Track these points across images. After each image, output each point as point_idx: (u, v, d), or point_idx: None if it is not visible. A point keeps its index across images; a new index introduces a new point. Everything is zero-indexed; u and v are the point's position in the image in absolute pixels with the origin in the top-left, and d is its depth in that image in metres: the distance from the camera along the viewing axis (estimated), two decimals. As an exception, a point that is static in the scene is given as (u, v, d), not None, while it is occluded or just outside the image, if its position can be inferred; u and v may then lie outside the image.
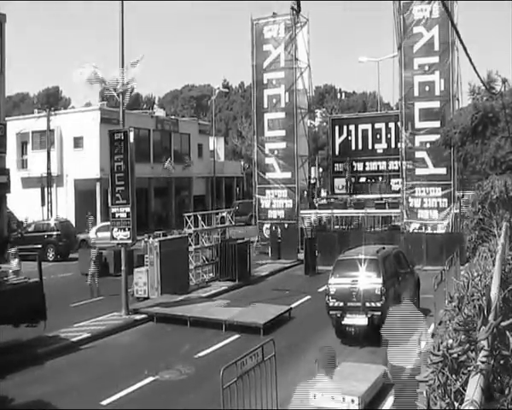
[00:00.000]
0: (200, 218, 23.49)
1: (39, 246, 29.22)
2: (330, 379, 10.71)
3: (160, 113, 57.71)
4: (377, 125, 39.63)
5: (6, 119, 35.83)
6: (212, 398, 9.43)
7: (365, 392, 10.01)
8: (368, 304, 13.88)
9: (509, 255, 6.28)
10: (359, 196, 38.06)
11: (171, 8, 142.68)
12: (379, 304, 13.83)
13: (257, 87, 33.41)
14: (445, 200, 27.96)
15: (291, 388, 11.04)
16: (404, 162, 28.92)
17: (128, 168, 17.55)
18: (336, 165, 40.24)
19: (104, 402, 11.00)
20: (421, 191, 28.39)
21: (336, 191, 40.06)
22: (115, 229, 17.94)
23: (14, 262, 19.09)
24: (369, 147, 39.27)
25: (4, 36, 33.05)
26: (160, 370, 12.58)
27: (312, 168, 48.22)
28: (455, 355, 3.01)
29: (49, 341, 14.64)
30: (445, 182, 27.90)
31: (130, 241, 17.98)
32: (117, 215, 17.82)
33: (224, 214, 26.85)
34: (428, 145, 27.93)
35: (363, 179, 39.50)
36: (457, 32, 14.08)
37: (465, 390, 2.72)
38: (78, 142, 44.25)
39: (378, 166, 38.99)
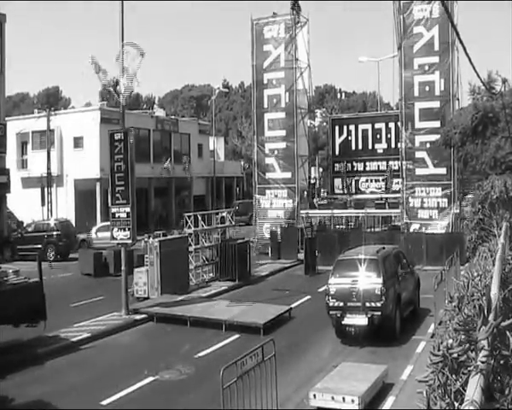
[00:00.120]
0: (200, 218, 23.49)
1: (39, 246, 29.33)
2: (330, 379, 10.73)
3: (160, 113, 57.71)
4: (377, 125, 39.62)
5: (6, 119, 35.87)
6: (212, 398, 9.44)
7: (365, 392, 10.00)
8: (368, 304, 13.87)
9: (509, 255, 6.29)
10: (359, 196, 38.09)
11: (171, 8, 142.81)
12: (379, 304, 13.83)
13: (257, 87, 33.41)
14: (445, 200, 27.95)
15: (291, 388, 11.08)
16: (404, 162, 28.92)
17: (128, 168, 17.55)
18: (336, 165, 40.23)
19: (104, 402, 11.00)
20: (422, 191, 28.38)
21: (336, 191, 40.09)
22: (115, 229, 17.94)
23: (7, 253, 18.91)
24: (369, 147, 39.27)
25: (4, 36, 33.08)
26: (160, 370, 12.58)
27: (312, 168, 48.21)
28: (455, 355, 3.01)
29: (49, 341, 14.64)
30: (445, 182, 27.90)
31: (130, 241, 17.98)
32: (117, 215, 17.83)
33: (224, 214, 26.84)
34: (428, 145, 27.92)
35: (363, 179, 39.52)
36: (457, 32, 14.08)
37: (465, 390, 2.72)
38: (78, 142, 44.26)
39: (378, 166, 39.00)
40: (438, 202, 28.15)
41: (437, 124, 27.25)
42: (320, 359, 13.31)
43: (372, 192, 38.17)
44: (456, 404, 2.94)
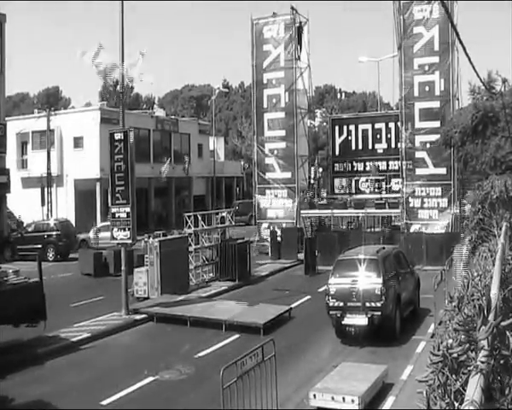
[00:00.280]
0: (200, 218, 23.49)
1: (39, 246, 29.32)
2: (330, 379, 10.73)
3: (160, 113, 57.70)
4: (377, 125, 39.61)
5: (6, 119, 35.87)
6: (212, 398, 9.43)
7: (365, 392, 10.00)
8: (368, 304, 13.87)
9: (509, 255, 6.28)
10: (359, 196, 38.08)
11: (171, 8, 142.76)
12: (379, 304, 13.83)
13: (257, 87, 33.42)
14: (445, 200, 27.96)
15: (291, 388, 11.08)
16: (404, 162, 28.92)
17: (128, 168, 17.55)
18: (336, 165, 40.25)
19: (104, 402, 11.00)
20: (422, 191, 28.39)
21: (336, 191, 40.08)
22: (115, 229, 17.94)
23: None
24: (369, 147, 39.27)
25: (4, 36, 33.08)
26: (160, 370, 12.58)
27: (312, 168, 48.20)
28: (455, 355, 3.01)
29: (49, 341, 14.64)
30: (445, 182, 27.90)
31: (130, 241, 17.98)
32: (117, 215, 17.83)
33: (224, 214, 26.85)
34: (428, 145, 27.93)
35: (363, 179, 39.51)
36: (457, 33, 14.08)
37: (465, 390, 2.71)
38: (78, 142, 44.27)
39: (378, 166, 38.98)
40: (438, 202, 28.16)
41: (437, 124, 27.25)
42: (320, 359, 13.31)
43: (371, 192, 38.11)
44: (456, 404, 2.94)
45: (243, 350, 8.49)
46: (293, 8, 32.21)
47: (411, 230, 28.17)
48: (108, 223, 19.98)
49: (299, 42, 32.43)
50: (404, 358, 12.67)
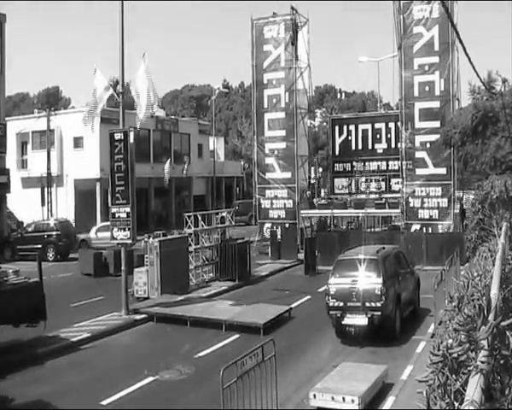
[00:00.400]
0: (200, 218, 23.49)
1: (39, 246, 29.33)
2: (330, 379, 10.73)
3: (160, 113, 57.65)
4: (377, 125, 39.58)
5: (6, 119, 35.87)
6: (212, 398, 9.43)
7: (365, 392, 10.00)
8: (368, 304, 13.87)
9: (509, 255, 6.29)
10: (359, 196, 38.08)
11: (171, 8, 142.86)
12: (379, 304, 13.83)
13: (257, 87, 33.42)
14: (445, 200, 27.94)
15: (291, 388, 11.08)
16: (404, 162, 28.91)
17: (128, 168, 17.54)
18: (336, 165, 40.23)
19: (104, 402, 10.99)
20: (422, 191, 28.37)
21: (336, 191, 40.07)
22: (115, 229, 17.93)
23: None
24: (369, 147, 39.24)
25: (4, 36, 33.08)
26: (160, 370, 12.58)
27: (312, 168, 48.23)
28: (455, 355, 3.01)
29: (49, 341, 14.63)
30: (445, 182, 27.88)
31: (130, 241, 17.97)
32: (117, 215, 17.82)
33: (224, 214, 26.84)
34: (428, 145, 27.91)
35: (363, 179, 39.50)
36: (457, 32, 14.08)
37: (465, 390, 2.72)
38: (78, 142, 44.24)
39: (378, 166, 38.98)
40: (438, 202, 28.15)
41: (437, 124, 27.24)
42: (320, 359, 13.31)
43: (371, 192, 38.12)
44: (456, 404, 2.94)
45: (243, 350, 8.49)
46: (293, 8, 32.23)
47: (412, 230, 28.15)
48: (108, 223, 19.97)
49: (294, 40, 32.26)
50: (404, 358, 12.67)
